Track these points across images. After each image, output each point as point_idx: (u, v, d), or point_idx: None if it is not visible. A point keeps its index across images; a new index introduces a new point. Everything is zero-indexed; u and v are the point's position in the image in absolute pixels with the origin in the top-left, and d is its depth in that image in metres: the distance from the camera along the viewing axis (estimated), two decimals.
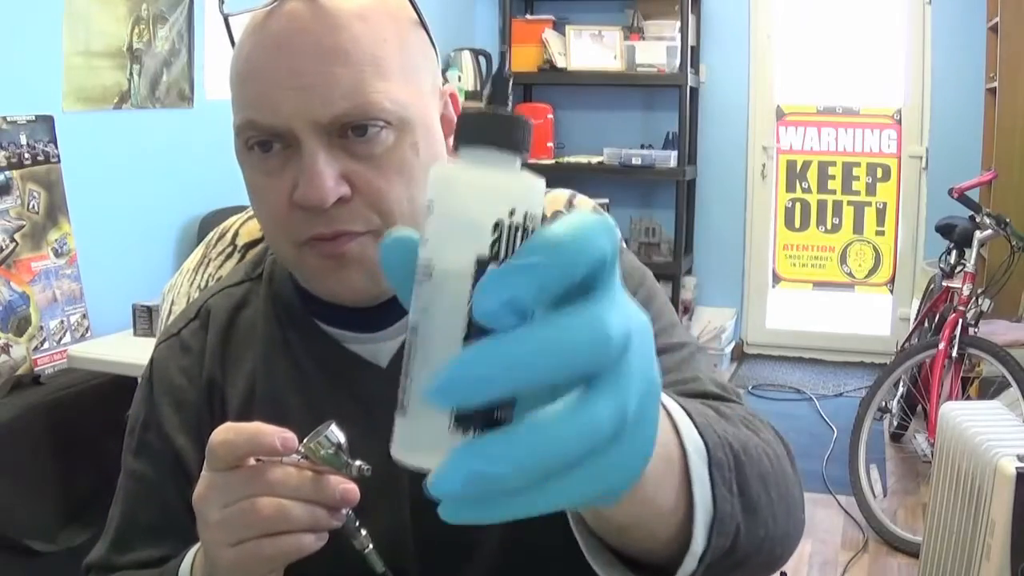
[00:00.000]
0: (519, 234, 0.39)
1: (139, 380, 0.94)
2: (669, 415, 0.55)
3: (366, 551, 0.73)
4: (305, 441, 0.68)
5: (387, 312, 0.87)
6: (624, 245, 0.94)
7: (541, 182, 0.41)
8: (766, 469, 0.63)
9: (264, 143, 0.78)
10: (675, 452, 0.54)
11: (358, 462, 0.69)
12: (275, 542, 0.67)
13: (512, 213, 0.39)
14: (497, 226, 0.39)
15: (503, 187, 0.39)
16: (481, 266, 0.38)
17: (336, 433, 0.69)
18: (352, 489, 0.69)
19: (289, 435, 0.67)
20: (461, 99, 0.90)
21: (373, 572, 0.74)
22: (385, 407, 0.86)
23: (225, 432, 0.67)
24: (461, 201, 0.39)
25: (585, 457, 0.37)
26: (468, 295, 0.38)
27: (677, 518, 0.54)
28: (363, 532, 0.72)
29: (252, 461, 0.68)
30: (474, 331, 0.38)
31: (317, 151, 0.76)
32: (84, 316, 2.57)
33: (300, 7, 0.77)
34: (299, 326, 0.89)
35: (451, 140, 0.86)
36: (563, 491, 0.38)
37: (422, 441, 0.40)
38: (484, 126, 0.41)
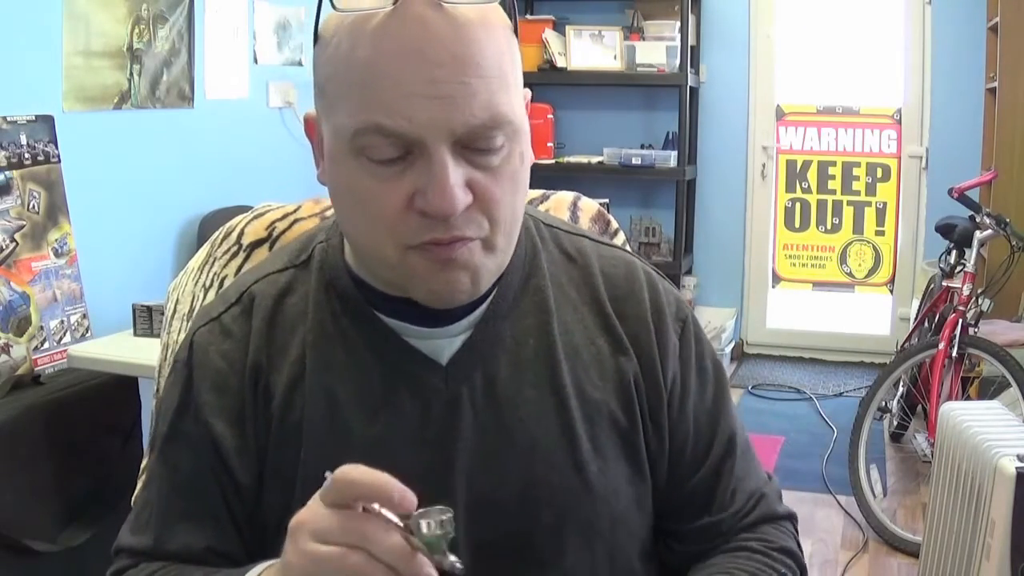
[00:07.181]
0: None
1: (172, 364, 0.93)
2: None
3: None
4: (417, 513, 0.67)
5: (450, 309, 0.85)
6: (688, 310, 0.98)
7: None
8: None
9: (389, 160, 0.76)
10: None
11: (453, 557, 0.67)
12: None
13: None
14: None
15: None
16: None
17: (452, 524, 0.67)
18: None
19: (411, 496, 0.66)
20: None
21: None
22: (441, 403, 0.87)
23: (352, 471, 0.66)
24: None
25: None
26: None
27: None
28: None
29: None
30: None
31: (447, 161, 0.75)
32: (84, 316, 2.57)
33: (428, 13, 0.75)
34: (356, 315, 0.88)
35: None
36: None
37: None
38: None
